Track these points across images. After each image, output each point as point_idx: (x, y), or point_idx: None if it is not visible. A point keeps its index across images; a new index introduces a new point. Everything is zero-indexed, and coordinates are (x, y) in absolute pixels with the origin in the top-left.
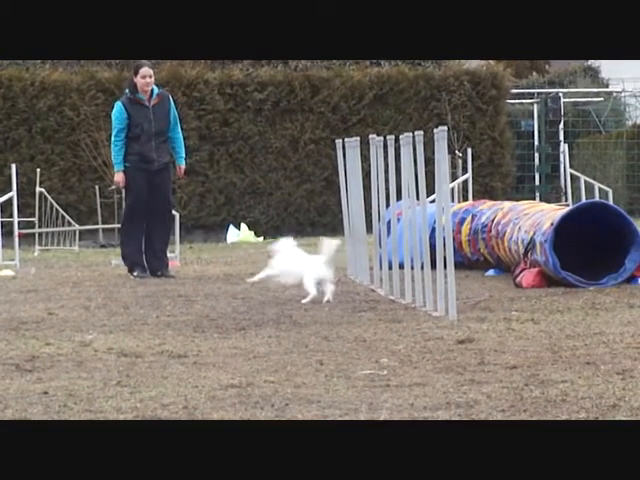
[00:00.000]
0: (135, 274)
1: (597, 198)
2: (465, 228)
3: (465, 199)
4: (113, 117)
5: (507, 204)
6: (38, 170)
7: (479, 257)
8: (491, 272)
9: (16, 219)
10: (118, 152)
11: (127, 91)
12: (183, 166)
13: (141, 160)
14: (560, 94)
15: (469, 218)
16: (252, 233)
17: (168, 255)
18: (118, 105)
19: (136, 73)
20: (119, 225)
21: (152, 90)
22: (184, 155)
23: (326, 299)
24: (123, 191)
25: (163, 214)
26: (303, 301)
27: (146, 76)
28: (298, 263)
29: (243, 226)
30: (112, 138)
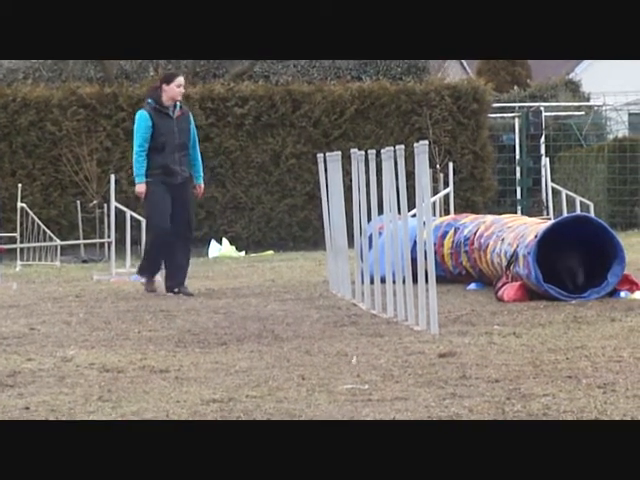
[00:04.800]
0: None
1: (579, 212)
2: (448, 241)
3: (447, 213)
4: (137, 126)
5: (490, 218)
6: (19, 185)
7: (461, 270)
8: (473, 286)
9: None
10: (142, 163)
11: (150, 101)
12: (202, 185)
13: (164, 173)
14: (541, 108)
15: (452, 231)
16: (234, 248)
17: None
18: (142, 114)
19: (169, 82)
20: (100, 240)
21: (175, 103)
22: (202, 174)
23: None
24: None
25: (184, 230)
26: None
27: (181, 85)
28: None
29: (225, 241)
30: (135, 148)
